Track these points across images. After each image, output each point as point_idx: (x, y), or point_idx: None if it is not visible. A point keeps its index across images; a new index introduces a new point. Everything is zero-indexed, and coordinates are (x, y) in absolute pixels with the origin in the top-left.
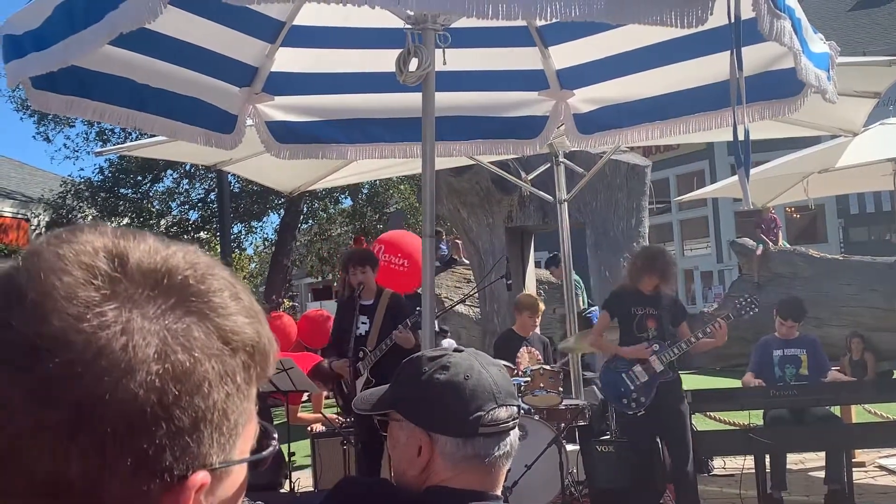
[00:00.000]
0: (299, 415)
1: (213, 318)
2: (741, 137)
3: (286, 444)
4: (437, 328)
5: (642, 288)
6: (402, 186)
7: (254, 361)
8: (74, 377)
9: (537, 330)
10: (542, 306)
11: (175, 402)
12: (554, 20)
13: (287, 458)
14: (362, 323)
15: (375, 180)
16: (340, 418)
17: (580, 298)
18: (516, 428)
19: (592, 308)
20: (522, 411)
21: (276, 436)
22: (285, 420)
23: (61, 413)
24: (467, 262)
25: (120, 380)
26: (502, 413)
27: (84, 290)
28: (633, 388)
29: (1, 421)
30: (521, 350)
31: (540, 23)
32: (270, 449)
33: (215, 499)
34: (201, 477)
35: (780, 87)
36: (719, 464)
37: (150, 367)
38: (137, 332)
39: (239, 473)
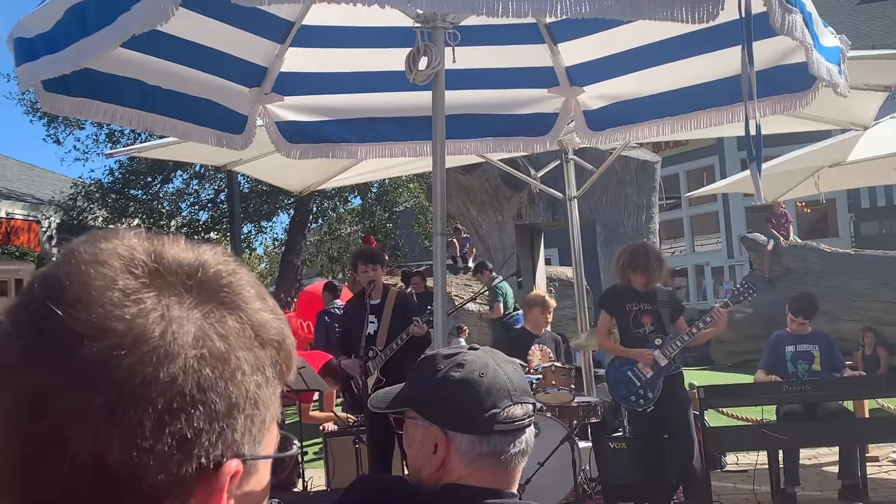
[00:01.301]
0: (311, 413)
1: (245, 310)
2: (753, 132)
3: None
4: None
5: (634, 285)
6: (411, 185)
7: (280, 358)
8: (116, 361)
9: (548, 327)
10: (552, 302)
11: (212, 387)
12: (564, 17)
13: (300, 457)
14: (371, 322)
15: (384, 179)
16: (352, 417)
17: (500, 304)
18: (532, 426)
19: (516, 312)
20: (536, 409)
21: (296, 442)
22: (297, 419)
23: (104, 396)
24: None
25: (160, 364)
26: (518, 410)
27: (123, 279)
28: (639, 384)
29: (45, 405)
30: (532, 348)
31: (549, 20)
32: (293, 451)
33: (243, 493)
34: (235, 465)
35: (792, 81)
36: (732, 459)
37: (188, 352)
38: (175, 319)
39: (265, 471)
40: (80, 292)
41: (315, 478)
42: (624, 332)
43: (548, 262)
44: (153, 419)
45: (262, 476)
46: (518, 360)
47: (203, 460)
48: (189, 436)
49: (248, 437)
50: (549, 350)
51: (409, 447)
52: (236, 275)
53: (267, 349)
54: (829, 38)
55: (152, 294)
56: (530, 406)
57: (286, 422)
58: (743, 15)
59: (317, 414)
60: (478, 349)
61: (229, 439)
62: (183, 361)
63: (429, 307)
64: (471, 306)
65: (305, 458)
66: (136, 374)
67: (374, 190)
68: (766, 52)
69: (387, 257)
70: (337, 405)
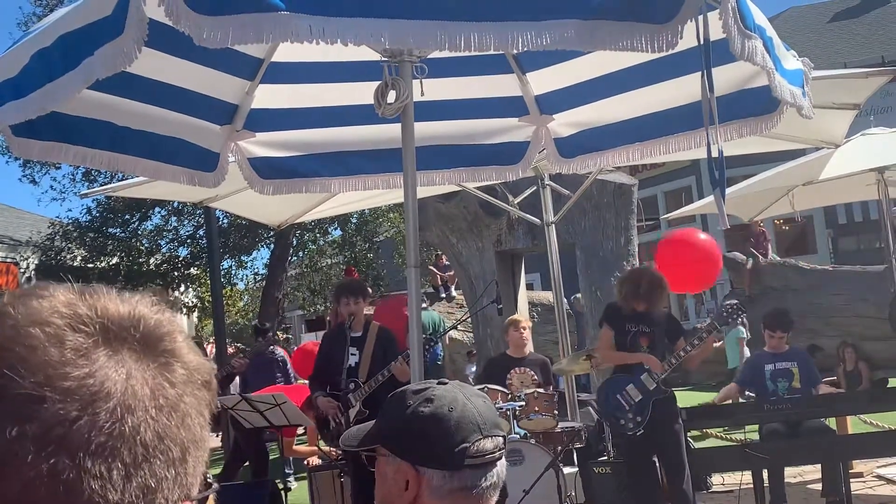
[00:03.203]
0: (294, 447)
1: (184, 356)
2: (715, 156)
3: (281, 478)
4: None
5: (637, 308)
6: (391, 215)
7: (210, 397)
8: (76, 422)
9: (530, 347)
10: (522, 319)
11: (168, 435)
12: (526, 49)
13: (284, 495)
14: (352, 355)
15: (364, 210)
16: (336, 451)
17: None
18: (503, 458)
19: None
20: (518, 436)
21: (211, 479)
22: (279, 455)
23: (70, 457)
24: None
25: (123, 418)
26: (488, 444)
27: (72, 337)
28: (628, 408)
29: (11, 471)
30: (510, 372)
31: (515, 51)
32: (214, 487)
33: None
34: None
35: (757, 104)
36: (718, 480)
37: (147, 403)
38: (131, 373)
39: None
40: (26, 355)
41: None
42: (620, 350)
43: (529, 287)
44: (122, 472)
45: None
46: (494, 386)
47: None
48: (152, 485)
49: (194, 479)
50: (532, 372)
51: (380, 484)
52: (172, 323)
53: (202, 390)
54: (792, 61)
55: (105, 350)
56: (501, 439)
57: (270, 458)
58: (701, 42)
59: (300, 448)
60: (447, 383)
61: (184, 483)
62: (143, 413)
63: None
64: (454, 334)
65: (290, 492)
66: (100, 431)
67: (354, 221)
68: (730, 76)
69: (370, 289)
70: (321, 439)
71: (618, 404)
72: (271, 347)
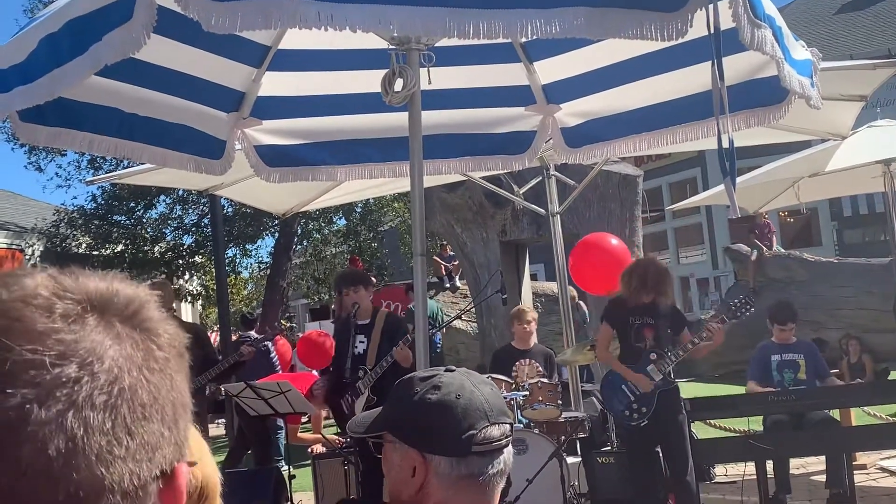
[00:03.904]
0: (299, 435)
1: (162, 324)
2: (726, 146)
3: (286, 466)
4: None
5: (643, 299)
6: (395, 204)
7: (184, 364)
8: (77, 382)
9: (535, 338)
10: (529, 313)
11: (161, 395)
12: (535, 37)
13: (288, 481)
14: (360, 342)
15: (369, 199)
16: (341, 439)
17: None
18: (510, 445)
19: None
20: (521, 426)
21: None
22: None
23: (76, 415)
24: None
25: (118, 378)
26: (495, 431)
27: (62, 305)
28: (633, 398)
29: (22, 436)
30: (517, 363)
31: (523, 39)
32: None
33: (178, 494)
34: (185, 468)
35: (765, 94)
36: (721, 471)
37: (140, 364)
38: (121, 336)
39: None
40: (19, 325)
41: (304, 500)
42: (625, 345)
43: (534, 277)
44: (124, 429)
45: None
46: (500, 376)
47: (164, 465)
48: (153, 442)
49: (186, 440)
50: (538, 364)
51: (387, 471)
52: (148, 295)
53: (182, 358)
54: (801, 52)
55: (93, 316)
56: (507, 426)
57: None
58: (711, 31)
59: (305, 436)
60: (454, 371)
61: (179, 442)
62: (137, 373)
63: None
64: (458, 324)
65: (294, 480)
66: (101, 390)
67: (359, 210)
68: (739, 66)
69: (373, 278)
70: (325, 427)
71: (624, 395)
72: (248, 335)
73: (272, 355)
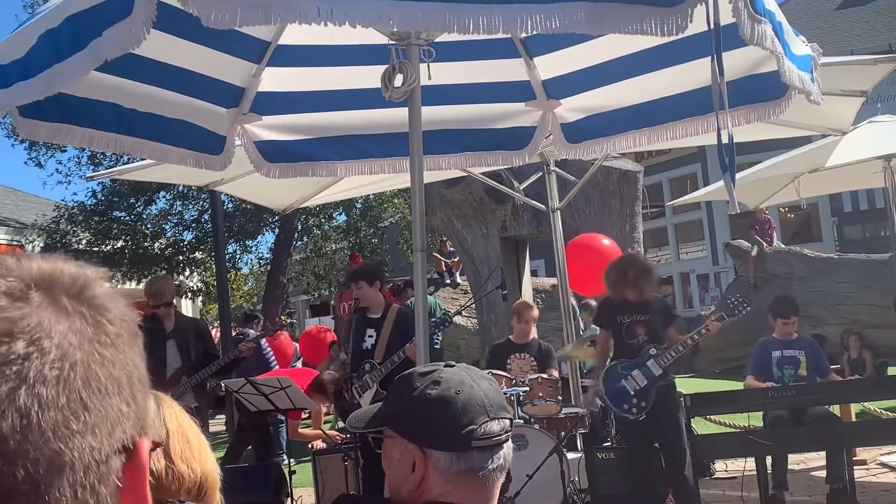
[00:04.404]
0: (300, 430)
1: (111, 301)
2: (725, 141)
3: (288, 460)
4: None
5: (627, 296)
6: (395, 200)
7: (140, 340)
8: (27, 358)
9: (534, 333)
10: (526, 309)
11: (115, 370)
12: (535, 32)
13: (288, 477)
14: (369, 336)
15: (369, 195)
16: (341, 435)
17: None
18: (510, 441)
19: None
20: (521, 421)
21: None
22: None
23: (28, 392)
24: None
25: (69, 354)
26: (494, 426)
27: (5, 282)
28: (632, 393)
29: None
30: (510, 357)
31: (522, 35)
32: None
33: (142, 469)
34: (147, 443)
35: (765, 90)
36: (721, 467)
37: (91, 338)
38: (69, 311)
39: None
40: None
41: (304, 496)
42: (618, 343)
43: (534, 273)
44: (80, 403)
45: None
46: (497, 371)
47: (125, 440)
48: (113, 416)
49: (147, 415)
50: (532, 358)
51: (387, 466)
52: (95, 273)
53: (136, 334)
54: (801, 47)
55: (38, 293)
56: (507, 421)
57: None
58: (711, 26)
59: (306, 432)
60: (454, 366)
61: (140, 417)
62: (89, 346)
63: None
64: (458, 320)
65: (294, 476)
66: (52, 365)
67: (359, 206)
68: (739, 61)
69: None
70: (326, 423)
71: (623, 389)
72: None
73: (265, 351)
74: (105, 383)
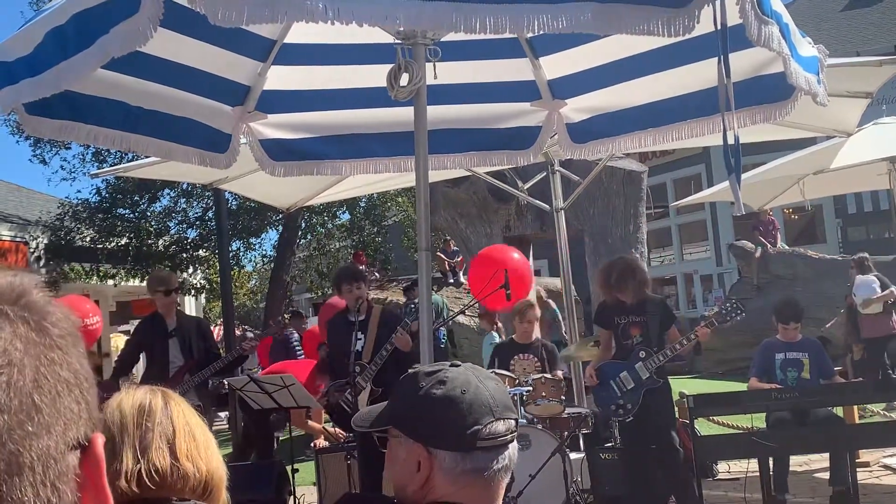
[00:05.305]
0: (308, 423)
1: (48, 306)
2: (731, 142)
3: (289, 461)
4: None
5: (622, 298)
6: (399, 199)
7: (81, 343)
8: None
9: (537, 333)
10: (532, 310)
11: (62, 371)
12: (542, 32)
13: (291, 475)
14: (357, 339)
15: (373, 193)
16: (343, 433)
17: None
18: (515, 441)
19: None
20: (524, 421)
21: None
22: (287, 437)
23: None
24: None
25: (13, 359)
26: (500, 427)
27: None
28: (619, 394)
29: None
30: (514, 358)
31: (529, 34)
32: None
33: (98, 463)
34: (101, 439)
35: (771, 91)
36: (724, 468)
37: (35, 342)
38: (10, 317)
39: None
40: None
41: (307, 494)
42: (617, 343)
43: (537, 273)
44: (30, 406)
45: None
46: (502, 371)
47: (80, 437)
48: (69, 415)
49: (97, 412)
50: (536, 358)
51: (392, 465)
52: (30, 282)
53: (78, 336)
54: (807, 48)
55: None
56: (512, 422)
57: (281, 439)
58: (718, 27)
59: (312, 424)
60: (459, 365)
61: (92, 415)
62: (36, 350)
63: (412, 304)
64: (461, 319)
65: (297, 474)
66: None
67: (363, 204)
68: (745, 62)
69: (377, 273)
70: (326, 422)
71: (611, 390)
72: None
73: (293, 343)
74: (55, 385)
